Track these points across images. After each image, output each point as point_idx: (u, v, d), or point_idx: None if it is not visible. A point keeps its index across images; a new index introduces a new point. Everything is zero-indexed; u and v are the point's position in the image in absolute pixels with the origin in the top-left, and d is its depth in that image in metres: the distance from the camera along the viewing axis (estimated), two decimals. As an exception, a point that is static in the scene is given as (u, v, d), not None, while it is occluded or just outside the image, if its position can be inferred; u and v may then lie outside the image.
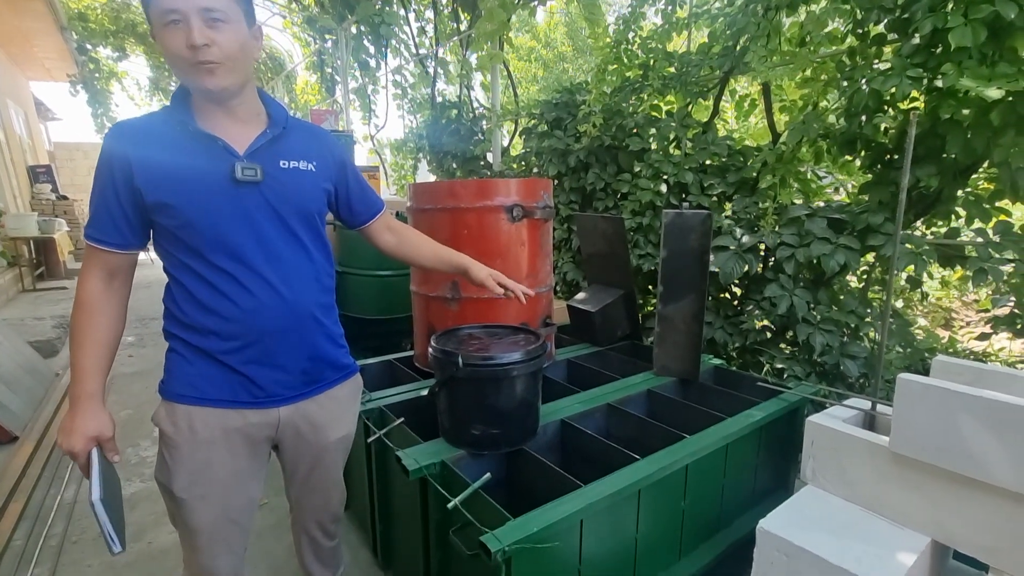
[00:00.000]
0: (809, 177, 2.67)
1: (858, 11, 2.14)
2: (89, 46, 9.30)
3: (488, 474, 1.24)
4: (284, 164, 1.04)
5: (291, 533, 1.39)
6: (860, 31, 2.18)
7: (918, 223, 2.26)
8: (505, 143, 4.87)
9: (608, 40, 3.20)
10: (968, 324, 4.45)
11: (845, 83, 2.20)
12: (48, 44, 8.40)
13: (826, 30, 2.32)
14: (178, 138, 0.97)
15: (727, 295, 2.83)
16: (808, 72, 2.45)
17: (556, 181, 3.57)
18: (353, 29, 6.28)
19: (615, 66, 3.10)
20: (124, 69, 10.36)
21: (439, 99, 5.62)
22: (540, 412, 1.51)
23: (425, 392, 1.77)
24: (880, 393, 1.68)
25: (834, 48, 2.45)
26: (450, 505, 1.18)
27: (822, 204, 2.69)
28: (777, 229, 2.38)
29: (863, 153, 2.24)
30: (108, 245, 0.99)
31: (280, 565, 1.86)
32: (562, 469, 1.33)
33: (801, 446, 1.55)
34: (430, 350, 1.42)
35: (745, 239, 2.44)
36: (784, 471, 1.85)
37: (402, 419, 1.55)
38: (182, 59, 0.91)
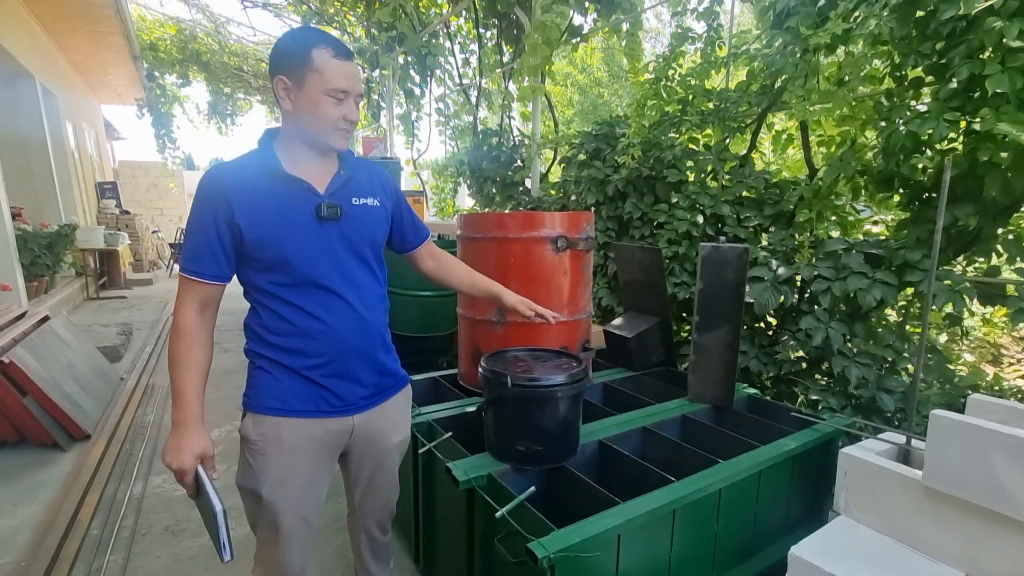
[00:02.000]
0: (847, 211, 2.71)
1: (896, 55, 2.21)
2: (157, 73, 10.05)
3: (533, 487, 1.34)
4: (356, 201, 1.20)
5: (348, 535, 1.51)
6: (898, 74, 2.24)
7: (957, 260, 2.27)
8: (543, 170, 5.03)
9: (647, 76, 3.34)
10: (1020, 361, 4.30)
11: (883, 123, 2.26)
12: (122, 72, 9.13)
13: (864, 72, 2.39)
14: (269, 182, 1.11)
15: (762, 325, 2.87)
16: (846, 110, 2.51)
17: (594, 209, 3.69)
18: (400, 59, 6.63)
19: (654, 101, 3.23)
20: (186, 94, 11.13)
21: (480, 127, 5.86)
22: (580, 432, 1.61)
23: (471, 408, 1.89)
24: (916, 429, 1.71)
25: (872, 88, 2.51)
26: (498, 514, 1.28)
27: (860, 238, 2.72)
28: (813, 262, 2.43)
29: (900, 191, 2.28)
30: (206, 278, 1.09)
31: (328, 566, 1.98)
32: (599, 485, 1.42)
33: (835, 478, 1.59)
34: (480, 370, 1.54)
35: (781, 271, 2.50)
36: (818, 502, 1.88)
37: (450, 433, 1.67)
38: (333, 125, 1.10)
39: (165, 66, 9.82)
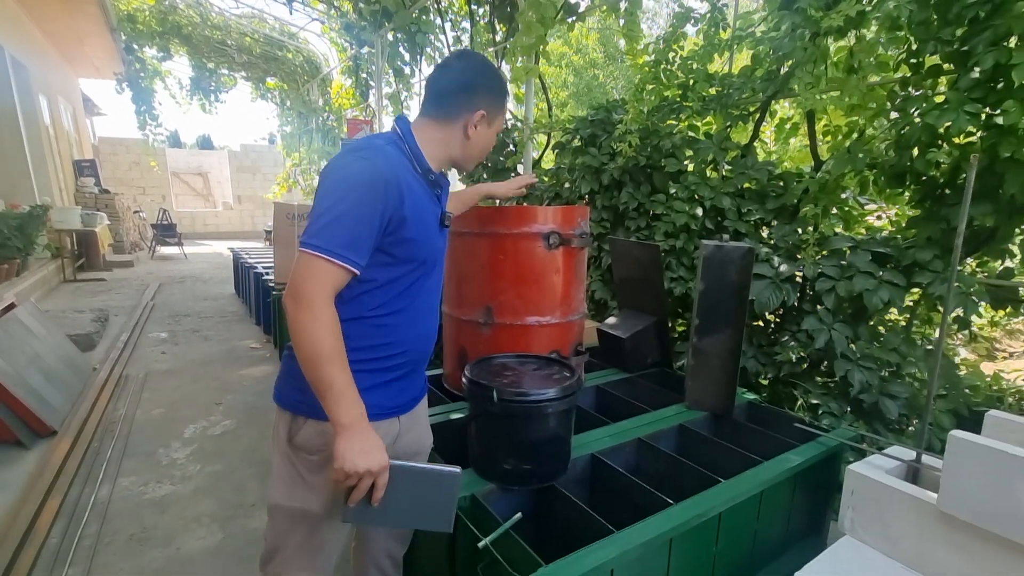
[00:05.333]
0: (851, 204, 2.59)
1: (913, 41, 2.07)
2: (136, 46, 9.64)
3: (519, 514, 1.23)
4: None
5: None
6: (914, 61, 2.11)
7: (968, 260, 2.17)
8: (536, 155, 4.86)
9: (646, 58, 3.17)
10: (1012, 355, 4.26)
11: (896, 114, 2.13)
12: (98, 44, 8.74)
13: (875, 56, 2.25)
14: (425, 181, 1.11)
15: (760, 323, 2.77)
16: (855, 99, 2.38)
17: (588, 198, 3.55)
18: (390, 36, 6.37)
19: (653, 85, 3.06)
20: (167, 68, 10.71)
21: (472, 108, 5.64)
22: (572, 447, 1.49)
23: (454, 416, 1.77)
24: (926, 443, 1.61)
25: (883, 76, 2.38)
26: (481, 544, 1.17)
27: (863, 233, 2.61)
28: (817, 260, 2.31)
29: (912, 187, 2.16)
30: (358, 267, 0.99)
31: None
32: (591, 505, 1.31)
33: (836, 490, 1.50)
34: (464, 381, 1.42)
35: (783, 268, 2.38)
36: (818, 516, 1.79)
37: (432, 446, 1.55)
38: (486, 152, 1.20)
39: (144, 38, 9.42)
